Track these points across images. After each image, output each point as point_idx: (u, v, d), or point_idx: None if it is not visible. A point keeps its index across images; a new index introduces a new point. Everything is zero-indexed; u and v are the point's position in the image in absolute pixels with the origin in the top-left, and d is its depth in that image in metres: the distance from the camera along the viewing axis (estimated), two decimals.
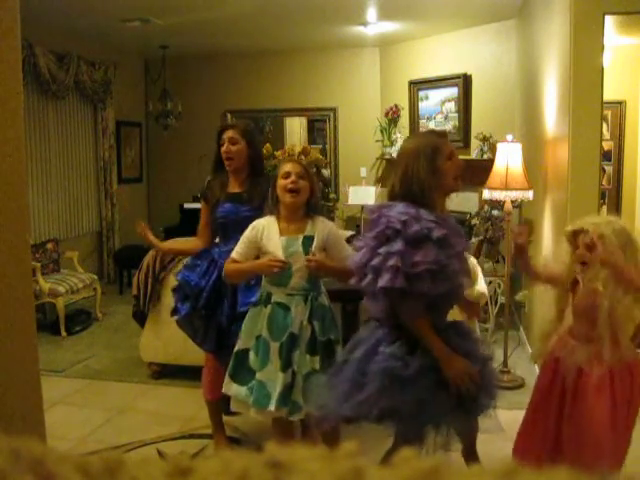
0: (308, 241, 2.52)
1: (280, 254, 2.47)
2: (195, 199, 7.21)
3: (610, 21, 3.39)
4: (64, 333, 5.04)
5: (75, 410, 3.65)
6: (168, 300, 4.07)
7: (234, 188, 2.96)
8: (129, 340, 4.70)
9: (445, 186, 2.23)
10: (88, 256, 6.72)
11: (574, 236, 2.26)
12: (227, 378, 2.65)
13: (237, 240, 2.75)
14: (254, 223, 2.59)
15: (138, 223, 3.09)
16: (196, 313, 2.94)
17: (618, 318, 2.14)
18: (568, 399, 2.26)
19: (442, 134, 2.37)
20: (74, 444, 3.16)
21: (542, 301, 3.82)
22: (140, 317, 4.17)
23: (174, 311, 3.12)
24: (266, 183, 2.80)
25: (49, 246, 5.50)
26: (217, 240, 3.09)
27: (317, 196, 2.64)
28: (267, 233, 2.54)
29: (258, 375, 2.55)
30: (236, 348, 2.63)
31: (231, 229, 2.88)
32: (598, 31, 3.14)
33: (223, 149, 2.92)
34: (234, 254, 2.59)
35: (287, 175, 2.52)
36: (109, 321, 5.52)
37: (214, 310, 2.90)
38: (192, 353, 4.01)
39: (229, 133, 2.93)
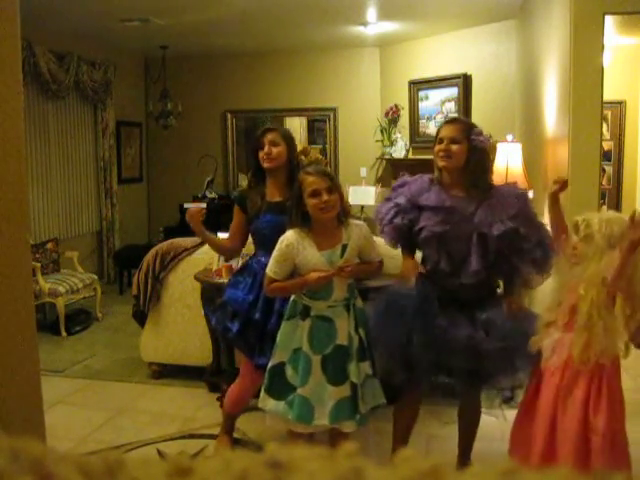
0: (344, 249, 2.49)
1: (323, 267, 2.44)
2: (195, 199, 7.21)
3: (610, 21, 3.39)
4: (64, 333, 5.04)
5: (75, 410, 3.65)
6: (168, 300, 4.08)
7: (274, 196, 2.89)
8: (129, 340, 4.69)
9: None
10: (88, 256, 6.72)
11: (577, 227, 2.27)
12: (263, 393, 2.58)
13: (267, 248, 2.72)
14: (286, 240, 2.48)
15: (196, 210, 2.93)
16: (250, 328, 2.84)
17: (596, 324, 2.12)
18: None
19: (448, 120, 2.64)
20: (74, 444, 3.16)
21: (543, 301, 3.82)
22: (140, 317, 4.17)
23: (224, 330, 2.99)
24: None
25: (49, 246, 5.50)
26: (246, 249, 3.07)
27: (345, 200, 2.56)
28: (303, 250, 2.46)
29: (300, 390, 2.48)
30: (270, 363, 2.58)
31: (275, 240, 2.78)
32: (598, 31, 3.14)
33: (265, 151, 2.84)
34: (271, 273, 2.51)
35: (316, 193, 2.41)
36: (109, 321, 5.52)
37: (266, 323, 2.82)
38: (192, 353, 4.02)
39: (270, 136, 2.87)
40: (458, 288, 2.48)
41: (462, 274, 2.44)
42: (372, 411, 2.60)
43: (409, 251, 2.64)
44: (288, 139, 2.94)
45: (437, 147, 2.51)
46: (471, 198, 2.48)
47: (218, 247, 3.17)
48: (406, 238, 2.56)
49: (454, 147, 2.47)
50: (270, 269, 2.51)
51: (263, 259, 2.86)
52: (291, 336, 2.53)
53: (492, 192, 2.51)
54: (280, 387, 2.54)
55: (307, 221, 2.46)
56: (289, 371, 2.53)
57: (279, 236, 2.67)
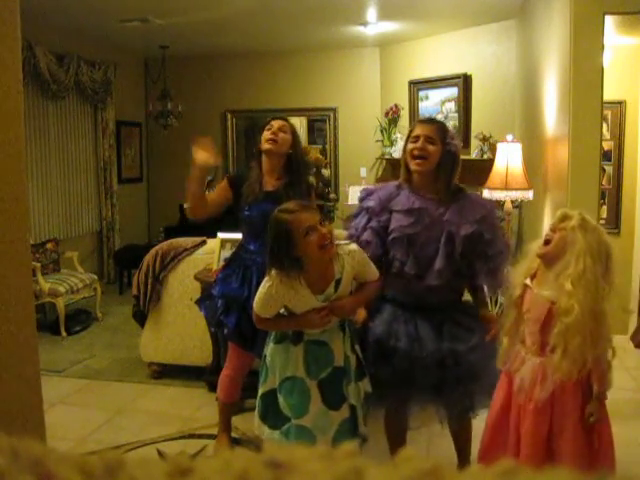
0: (338, 284, 2.29)
1: (317, 305, 2.26)
2: None
3: (610, 21, 3.39)
4: (64, 333, 5.04)
5: (75, 410, 3.65)
6: (168, 300, 4.08)
7: (268, 186, 2.87)
8: (129, 340, 4.69)
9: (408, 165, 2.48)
10: (88, 256, 6.72)
11: (563, 219, 2.10)
12: (258, 420, 2.40)
13: (261, 238, 2.65)
14: (275, 287, 2.22)
15: (204, 139, 2.73)
16: (244, 322, 2.80)
17: (586, 329, 1.96)
18: (521, 416, 2.18)
19: (420, 120, 2.57)
20: (74, 444, 3.16)
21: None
22: (140, 317, 4.17)
23: (218, 324, 2.96)
24: (305, 188, 2.83)
25: (49, 246, 5.50)
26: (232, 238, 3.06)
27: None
28: (295, 294, 2.23)
29: (298, 421, 2.28)
30: (262, 390, 2.39)
31: (264, 229, 2.82)
32: (598, 31, 3.14)
33: (270, 131, 2.83)
34: (258, 312, 2.30)
35: (312, 229, 2.16)
36: (109, 321, 5.52)
37: None
38: (192, 353, 4.02)
39: (280, 122, 2.89)
40: (423, 292, 2.43)
41: (427, 276, 2.38)
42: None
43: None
44: (296, 135, 2.96)
45: (411, 145, 2.44)
46: (440, 200, 2.45)
47: (199, 195, 2.84)
48: (384, 243, 2.44)
49: (431, 147, 2.41)
50: (257, 307, 2.29)
51: (252, 247, 2.87)
52: (282, 362, 2.33)
53: (460, 196, 2.48)
54: (274, 416, 2.35)
55: (298, 265, 2.18)
56: (281, 400, 2.32)
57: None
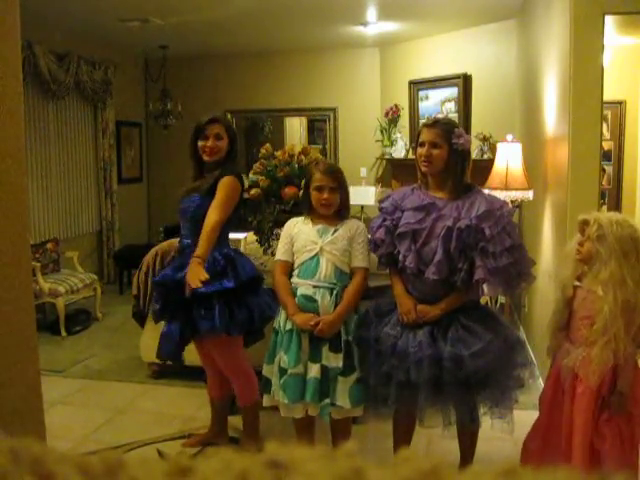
0: (335, 232, 2.68)
1: (314, 238, 2.65)
2: None
3: (610, 21, 3.38)
4: (64, 333, 5.04)
5: (75, 410, 3.65)
6: None
7: (198, 181, 2.94)
8: (129, 340, 4.69)
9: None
10: (88, 256, 6.72)
11: (583, 226, 2.25)
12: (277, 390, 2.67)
13: (184, 230, 2.87)
14: (290, 221, 2.78)
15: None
16: (171, 303, 2.83)
17: (618, 324, 2.10)
18: (567, 404, 2.26)
19: (426, 124, 2.57)
20: (74, 444, 3.16)
21: (542, 301, 3.82)
22: (140, 317, 4.17)
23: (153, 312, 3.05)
24: (228, 171, 2.80)
25: (49, 246, 5.50)
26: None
27: (347, 204, 2.77)
28: (299, 225, 2.73)
29: (293, 370, 2.57)
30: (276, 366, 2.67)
31: (182, 220, 2.91)
32: (598, 31, 3.13)
33: (208, 144, 2.84)
34: (280, 256, 2.73)
35: (320, 189, 2.66)
36: (109, 321, 5.52)
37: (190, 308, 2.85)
38: (192, 353, 4.01)
39: (215, 129, 2.86)
40: (424, 288, 2.48)
41: (427, 270, 2.42)
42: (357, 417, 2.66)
43: (398, 274, 2.59)
44: (231, 132, 2.94)
45: (419, 150, 2.53)
46: (450, 198, 2.49)
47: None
48: (394, 242, 2.55)
49: (435, 152, 2.47)
50: (278, 251, 2.75)
51: (185, 240, 2.93)
52: (284, 319, 2.66)
53: (470, 193, 2.50)
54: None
55: (310, 207, 2.73)
56: (281, 355, 2.64)
57: (185, 216, 2.83)
